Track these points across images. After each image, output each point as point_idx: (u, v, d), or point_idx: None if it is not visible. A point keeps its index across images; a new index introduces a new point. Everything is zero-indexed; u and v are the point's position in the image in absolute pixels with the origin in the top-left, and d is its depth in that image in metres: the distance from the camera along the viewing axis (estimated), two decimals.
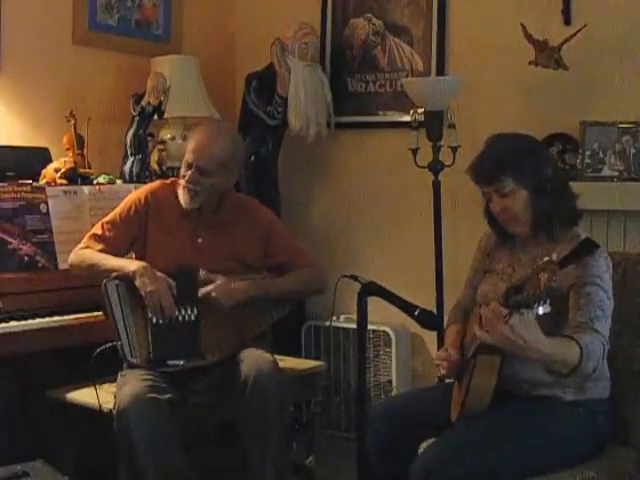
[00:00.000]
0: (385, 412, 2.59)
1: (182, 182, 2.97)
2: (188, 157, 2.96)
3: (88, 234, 3.03)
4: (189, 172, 2.95)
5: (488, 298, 2.44)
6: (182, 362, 2.87)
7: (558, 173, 2.55)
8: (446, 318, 2.81)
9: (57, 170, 3.40)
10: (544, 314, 2.08)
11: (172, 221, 3.03)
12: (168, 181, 3.15)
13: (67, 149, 3.57)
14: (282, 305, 3.09)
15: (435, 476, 2.22)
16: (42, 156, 3.50)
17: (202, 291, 2.90)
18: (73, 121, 3.56)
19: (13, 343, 2.91)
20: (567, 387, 2.36)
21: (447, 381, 2.67)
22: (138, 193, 3.09)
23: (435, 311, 3.32)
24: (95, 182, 3.47)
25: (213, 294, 2.89)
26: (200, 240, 3.02)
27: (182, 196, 2.98)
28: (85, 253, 2.98)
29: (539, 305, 2.06)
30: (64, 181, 3.38)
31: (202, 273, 2.92)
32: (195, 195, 2.96)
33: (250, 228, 3.08)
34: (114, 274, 2.87)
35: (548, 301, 2.06)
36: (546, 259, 2.07)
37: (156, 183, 3.17)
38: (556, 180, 2.49)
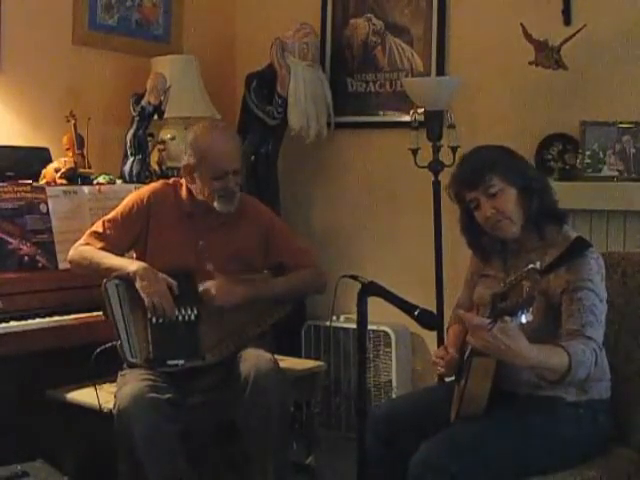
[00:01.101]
0: (386, 414, 2.59)
1: (219, 193, 2.93)
2: (223, 166, 2.92)
3: (89, 231, 3.02)
4: (232, 179, 2.94)
5: (484, 301, 2.44)
6: (182, 362, 2.87)
7: (539, 174, 2.56)
8: (446, 318, 2.81)
9: (57, 170, 3.40)
10: (527, 322, 2.08)
11: (173, 222, 3.03)
12: (170, 181, 3.15)
13: (67, 149, 3.57)
14: (282, 305, 3.09)
15: (432, 472, 2.22)
16: (42, 156, 3.50)
17: (202, 286, 2.90)
18: (73, 121, 3.56)
19: (13, 343, 2.91)
20: (569, 387, 2.35)
21: (447, 380, 2.67)
22: (140, 193, 3.09)
23: (435, 311, 3.32)
24: (95, 182, 3.47)
25: (213, 290, 2.90)
26: (201, 242, 3.02)
27: (220, 206, 2.96)
28: (85, 250, 2.97)
29: (522, 313, 2.06)
30: (64, 181, 3.38)
31: (209, 266, 2.93)
32: (234, 198, 2.98)
33: (251, 227, 3.08)
34: (114, 274, 2.87)
35: (530, 310, 2.06)
36: (530, 267, 2.05)
37: (158, 183, 3.16)
38: (540, 180, 2.51)
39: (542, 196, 2.44)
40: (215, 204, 2.96)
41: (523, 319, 2.06)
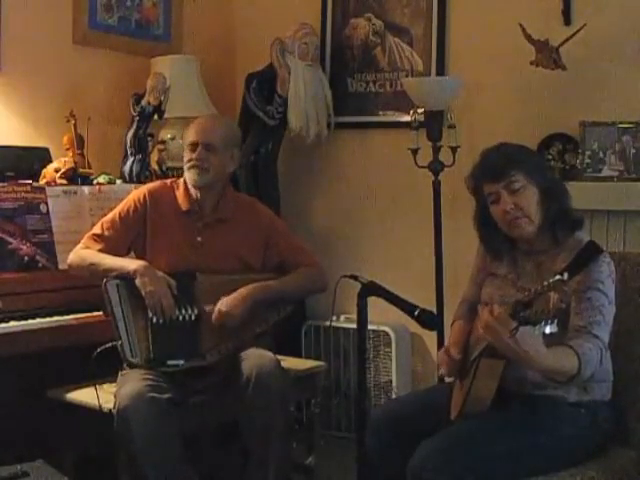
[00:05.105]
0: (386, 414, 2.59)
1: (189, 164, 3.00)
2: (192, 138, 3.02)
3: (88, 234, 3.04)
4: (195, 152, 2.99)
5: (494, 301, 2.44)
6: (182, 362, 2.88)
7: (557, 178, 2.57)
8: (446, 318, 2.81)
9: (57, 170, 3.40)
10: (551, 333, 2.08)
11: (171, 221, 3.03)
12: (168, 181, 3.16)
13: (67, 149, 3.57)
14: (283, 305, 3.09)
15: (431, 471, 2.22)
16: (42, 156, 3.50)
17: (213, 317, 2.89)
18: (73, 121, 3.56)
19: (13, 343, 2.90)
20: (571, 388, 2.36)
21: (447, 380, 2.67)
22: (138, 193, 3.10)
23: (435, 311, 3.32)
24: (95, 182, 3.48)
25: (222, 308, 2.89)
26: (199, 239, 3.03)
27: (190, 177, 3.02)
28: (85, 253, 2.99)
29: (546, 324, 2.06)
30: (64, 181, 3.38)
31: (208, 308, 2.91)
32: (204, 172, 2.99)
33: (250, 227, 3.09)
34: (114, 273, 2.87)
35: (556, 321, 2.06)
36: (557, 277, 2.06)
37: (156, 183, 3.18)
38: (560, 184, 2.53)
39: (561, 200, 2.46)
40: (186, 175, 3.03)
41: (547, 330, 2.06)
